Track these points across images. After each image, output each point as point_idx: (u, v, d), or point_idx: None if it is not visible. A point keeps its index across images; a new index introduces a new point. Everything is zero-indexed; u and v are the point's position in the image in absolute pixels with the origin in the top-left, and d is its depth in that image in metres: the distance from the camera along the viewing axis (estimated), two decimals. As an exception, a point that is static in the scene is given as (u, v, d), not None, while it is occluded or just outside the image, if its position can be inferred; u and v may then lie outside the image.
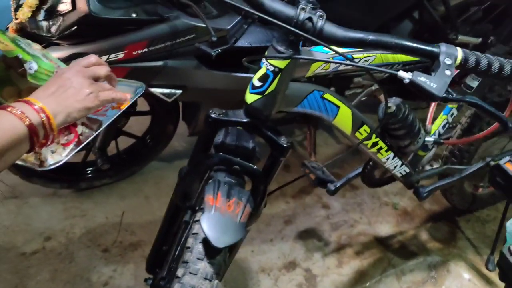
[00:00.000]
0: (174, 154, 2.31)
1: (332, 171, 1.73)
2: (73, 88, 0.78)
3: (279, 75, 0.95)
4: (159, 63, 1.54)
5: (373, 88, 2.06)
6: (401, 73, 0.80)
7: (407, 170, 1.47)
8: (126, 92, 1.00)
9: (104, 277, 1.80)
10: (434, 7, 1.95)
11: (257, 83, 0.97)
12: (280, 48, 0.91)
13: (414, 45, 0.83)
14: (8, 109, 0.71)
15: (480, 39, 1.92)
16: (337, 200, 2.13)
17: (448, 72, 0.81)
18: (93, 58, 0.87)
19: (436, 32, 1.96)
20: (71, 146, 0.85)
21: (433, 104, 1.46)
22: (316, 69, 1.01)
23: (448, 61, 0.82)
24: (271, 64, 0.94)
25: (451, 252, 1.87)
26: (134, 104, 2.07)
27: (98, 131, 0.89)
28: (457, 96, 0.81)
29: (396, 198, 2.13)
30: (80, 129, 0.89)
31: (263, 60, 0.96)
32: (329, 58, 0.99)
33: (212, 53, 1.35)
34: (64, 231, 1.99)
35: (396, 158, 1.39)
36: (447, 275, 1.79)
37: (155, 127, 2.14)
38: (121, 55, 1.47)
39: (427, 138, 1.43)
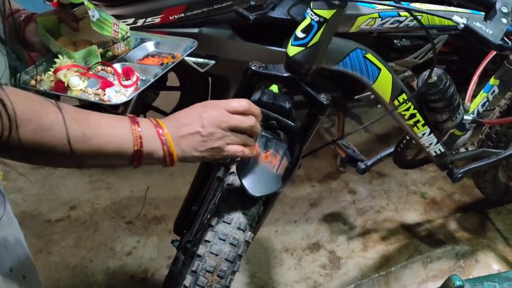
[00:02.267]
0: (201, 134, 2.30)
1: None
2: (200, 136, 0.72)
3: (323, 26, 0.93)
4: (195, 30, 1.54)
5: (406, 74, 2.03)
6: (456, 18, 0.77)
7: (442, 150, 1.43)
8: (175, 48, 1.03)
9: (128, 247, 1.80)
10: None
11: (300, 34, 0.96)
12: (328, -4, 0.89)
13: (469, -9, 0.80)
14: (134, 125, 0.67)
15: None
16: (364, 186, 2.10)
17: (504, 20, 0.78)
18: (244, 104, 0.77)
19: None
20: (131, 89, 0.89)
21: (473, 81, 1.42)
22: (361, 23, 0.98)
23: (505, 9, 0.79)
24: (316, 14, 0.92)
25: (480, 242, 1.82)
26: (165, 78, 2.07)
27: (155, 78, 0.92)
28: (513, 45, 0.78)
29: (425, 188, 2.08)
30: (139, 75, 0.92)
31: (308, 10, 0.94)
32: (377, 11, 0.97)
33: (251, 17, 1.34)
34: (89, 202, 2.00)
35: (432, 134, 1.35)
36: (476, 265, 1.74)
37: (183, 104, 2.13)
38: (157, 19, 1.48)
39: (465, 117, 1.39)
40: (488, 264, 1.73)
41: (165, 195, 2.05)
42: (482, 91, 1.43)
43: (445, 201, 2.01)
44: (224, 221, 0.91)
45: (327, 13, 0.91)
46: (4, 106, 0.54)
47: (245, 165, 0.91)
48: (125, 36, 1.00)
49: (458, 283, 0.83)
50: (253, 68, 1.00)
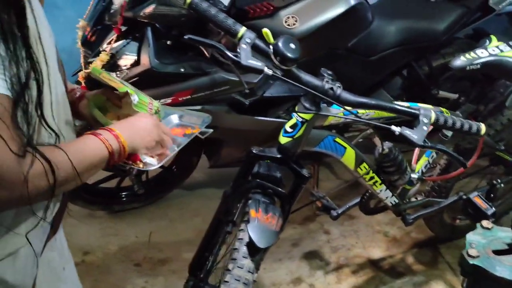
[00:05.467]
0: (196, 184, 2.65)
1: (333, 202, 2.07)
2: (145, 131, 1.03)
3: (305, 124, 1.31)
4: (198, 107, 1.90)
5: (368, 132, 2.44)
6: (393, 127, 1.17)
7: (397, 201, 1.82)
8: (195, 120, 1.28)
9: None
10: (421, 67, 2.35)
11: (289, 129, 1.33)
12: (307, 105, 1.27)
13: (402, 108, 1.20)
14: (99, 137, 0.94)
15: (457, 95, 2.30)
16: (337, 227, 2.47)
17: (425, 128, 1.18)
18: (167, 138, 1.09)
19: (422, 87, 2.35)
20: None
21: (417, 148, 1.83)
22: (331, 119, 1.37)
23: (425, 120, 1.19)
24: (300, 116, 1.31)
25: (432, 273, 2.20)
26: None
27: (179, 147, 1.16)
28: (431, 144, 1.18)
29: (388, 227, 2.47)
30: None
31: (294, 113, 1.32)
32: (340, 113, 1.37)
33: (246, 103, 1.72)
34: (101, 247, 2.30)
35: (387, 190, 1.74)
36: (429, 292, 2.12)
37: (181, 159, 2.48)
38: (169, 100, 1.84)
39: (412, 175, 1.79)
40: (439, 292, 2.11)
41: (166, 239, 2.37)
42: (424, 155, 1.85)
43: (404, 238, 2.40)
44: (238, 266, 1.27)
45: (307, 116, 1.30)
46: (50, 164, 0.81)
47: (254, 225, 1.27)
48: (157, 111, 1.20)
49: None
50: (254, 151, 1.37)
